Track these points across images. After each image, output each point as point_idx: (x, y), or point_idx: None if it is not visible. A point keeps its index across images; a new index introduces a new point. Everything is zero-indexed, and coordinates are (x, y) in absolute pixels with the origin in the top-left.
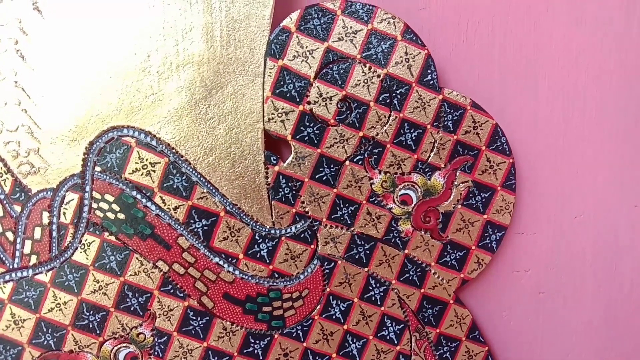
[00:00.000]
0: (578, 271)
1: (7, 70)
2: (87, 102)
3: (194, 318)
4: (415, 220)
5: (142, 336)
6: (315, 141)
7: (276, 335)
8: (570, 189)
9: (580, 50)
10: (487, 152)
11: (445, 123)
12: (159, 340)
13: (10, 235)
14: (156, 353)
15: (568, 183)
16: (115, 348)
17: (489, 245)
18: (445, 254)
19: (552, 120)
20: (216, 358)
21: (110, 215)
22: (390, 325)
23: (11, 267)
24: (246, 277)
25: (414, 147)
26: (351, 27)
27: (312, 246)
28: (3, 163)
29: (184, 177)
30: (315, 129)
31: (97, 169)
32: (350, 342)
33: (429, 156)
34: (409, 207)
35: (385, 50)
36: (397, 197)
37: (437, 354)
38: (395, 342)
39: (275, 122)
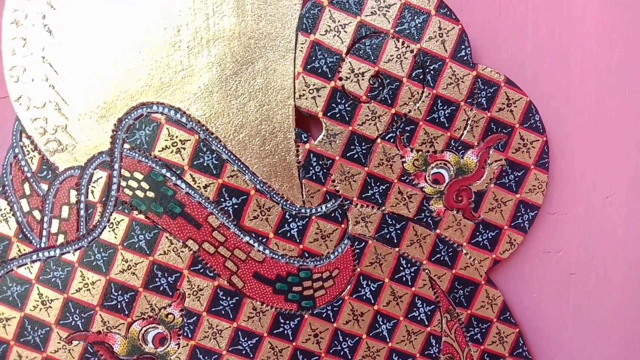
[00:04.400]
0: (609, 252)
1: (34, 45)
2: (115, 78)
3: (224, 298)
4: (448, 200)
5: (171, 316)
6: (347, 118)
7: (306, 316)
8: (602, 169)
9: (614, 28)
10: (521, 129)
11: (479, 100)
12: (188, 321)
13: (37, 214)
14: (185, 334)
15: (600, 162)
16: (144, 329)
17: (522, 225)
18: (477, 234)
19: (585, 99)
20: (246, 338)
21: (140, 193)
22: (421, 306)
23: (38, 246)
24: (276, 256)
25: (447, 125)
26: (384, 1)
27: (343, 225)
28: (30, 140)
29: (214, 155)
30: (346, 105)
31: (126, 146)
32: (381, 323)
33: (462, 134)
34: (441, 186)
35: (419, 25)
36: (429, 176)
37: (468, 335)
38: (426, 323)
39: (306, 98)
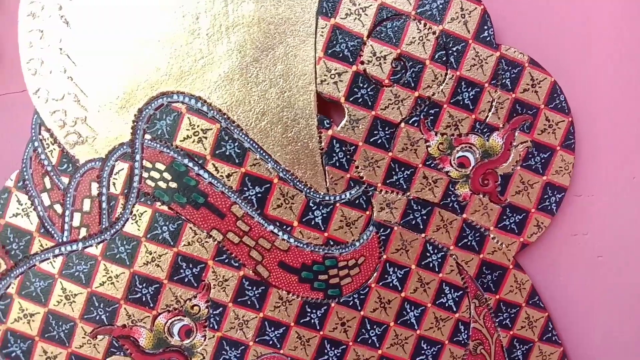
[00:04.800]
0: (636, 234)
1: (51, 37)
2: (135, 67)
3: (250, 288)
4: (474, 184)
5: (196, 308)
6: (370, 103)
7: (333, 304)
8: (628, 149)
9: (638, 7)
10: (546, 110)
11: (503, 81)
12: (214, 312)
13: (58, 208)
14: (211, 325)
15: (626, 143)
16: (170, 321)
17: (549, 208)
18: (505, 217)
19: (610, 78)
20: (273, 328)
21: (162, 184)
22: (448, 292)
23: (60, 240)
24: (301, 245)
25: (471, 107)
26: None
27: (368, 212)
28: (49, 133)
29: (236, 144)
30: (369, 90)
31: (147, 136)
32: (408, 310)
33: (487, 116)
34: (466, 170)
35: (441, 6)
36: (454, 160)
37: (497, 320)
38: (454, 309)
39: (327, 83)
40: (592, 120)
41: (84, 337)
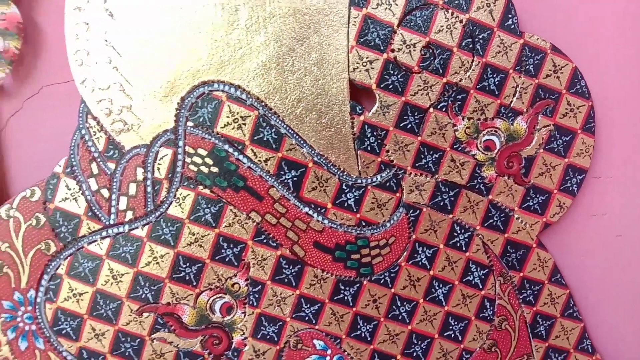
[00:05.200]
0: None
1: (96, 29)
2: (177, 58)
3: (287, 266)
4: (499, 166)
5: (237, 286)
6: (400, 89)
7: (365, 282)
8: None
9: None
10: (568, 95)
11: (527, 67)
12: (253, 290)
13: (105, 193)
14: (251, 302)
15: None
16: (211, 299)
17: (570, 189)
18: (528, 198)
19: (629, 64)
20: (308, 305)
21: (204, 169)
22: (475, 270)
23: (107, 223)
24: (335, 225)
25: (496, 92)
26: None
27: (398, 194)
28: (96, 121)
29: (273, 130)
30: (399, 76)
31: (190, 124)
32: (437, 288)
33: (512, 101)
34: (492, 153)
35: None
36: (480, 143)
37: (521, 297)
38: (480, 286)
39: (360, 71)
40: (612, 105)
41: (130, 315)
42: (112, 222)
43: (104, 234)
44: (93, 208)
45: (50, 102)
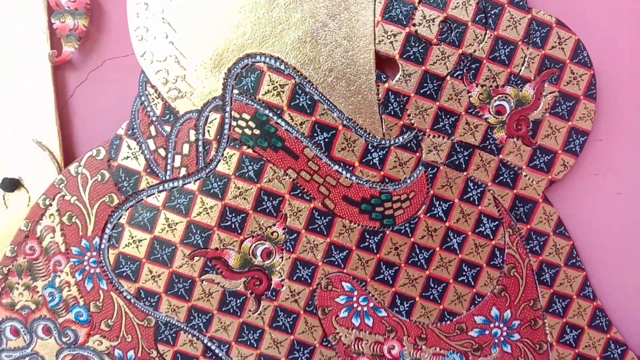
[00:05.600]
0: None
1: (155, 8)
2: (225, 33)
3: (319, 217)
4: (509, 129)
5: (275, 234)
6: (420, 59)
7: (387, 232)
8: None
9: None
10: (571, 65)
11: (534, 40)
12: (290, 237)
13: (162, 152)
14: (287, 248)
15: None
16: (254, 245)
17: (573, 150)
18: (535, 157)
19: (628, 36)
20: (338, 251)
21: (248, 131)
22: (486, 222)
23: (164, 179)
24: (361, 182)
25: (507, 62)
26: None
27: (417, 154)
28: (154, 90)
29: (307, 96)
30: (420, 48)
31: (235, 91)
32: (452, 238)
33: (520, 70)
34: (503, 117)
35: None
36: (492, 108)
37: (528, 247)
38: (491, 237)
39: (384, 43)
40: (612, 73)
41: (183, 259)
42: (168, 177)
43: (160, 188)
44: (151, 165)
45: (112, 74)
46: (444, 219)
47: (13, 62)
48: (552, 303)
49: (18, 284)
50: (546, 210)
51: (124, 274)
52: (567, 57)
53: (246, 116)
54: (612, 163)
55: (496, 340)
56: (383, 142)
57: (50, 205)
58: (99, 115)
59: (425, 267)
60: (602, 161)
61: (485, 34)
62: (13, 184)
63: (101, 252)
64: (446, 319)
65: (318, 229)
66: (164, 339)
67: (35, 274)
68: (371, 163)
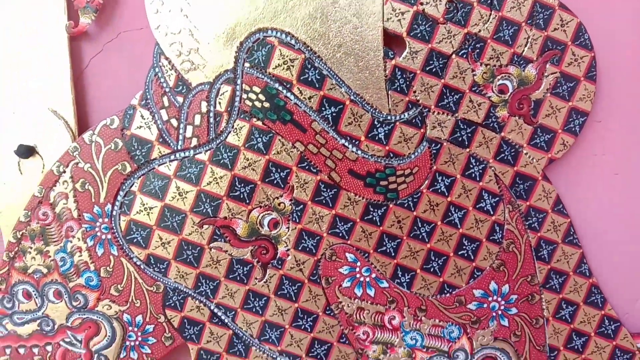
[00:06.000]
0: None
1: None
2: (238, 8)
3: (325, 190)
4: (511, 107)
5: (282, 205)
6: (427, 37)
7: (391, 205)
8: None
9: None
10: (573, 46)
11: (537, 21)
12: (296, 208)
13: (174, 122)
14: (294, 219)
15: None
16: (261, 215)
17: (573, 129)
18: (536, 136)
19: (628, 17)
20: (342, 223)
21: (258, 104)
22: (487, 198)
23: (176, 148)
24: (366, 156)
25: (510, 42)
26: None
27: (422, 130)
28: (168, 61)
29: (317, 71)
30: (427, 26)
31: (247, 65)
32: (453, 212)
33: (524, 50)
34: (505, 96)
35: None
36: (495, 87)
37: (527, 223)
38: (491, 212)
39: (392, 21)
40: (612, 57)
41: (192, 227)
42: (179, 147)
43: (172, 157)
44: (164, 135)
45: (127, 46)
46: (446, 194)
47: (31, 32)
48: (549, 279)
49: (31, 248)
50: (545, 188)
51: (135, 241)
52: (568, 39)
53: (256, 89)
54: (610, 144)
55: (494, 314)
56: (389, 117)
57: (64, 172)
58: (113, 86)
59: (427, 240)
60: (601, 142)
61: (490, 14)
62: (28, 151)
63: (113, 219)
64: (446, 292)
65: (324, 201)
66: (172, 304)
67: (48, 239)
68: (377, 138)
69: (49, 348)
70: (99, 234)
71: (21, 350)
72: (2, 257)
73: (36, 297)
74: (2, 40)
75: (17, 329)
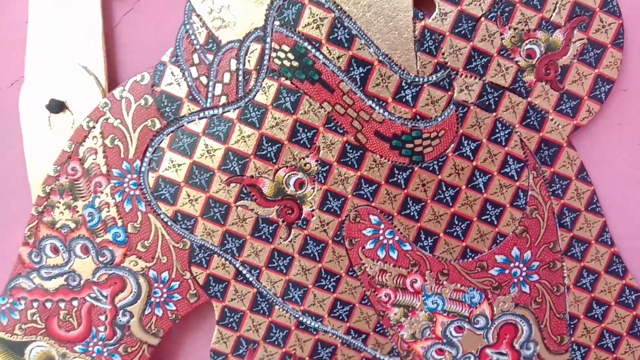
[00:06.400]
0: None
1: None
2: None
3: (351, 151)
4: (538, 72)
5: (308, 165)
6: (457, 0)
7: (416, 168)
8: None
9: None
10: (601, 13)
11: None
12: (322, 169)
13: (204, 80)
14: (319, 179)
15: None
16: (287, 175)
17: (599, 97)
18: (562, 102)
19: None
20: (367, 185)
21: (286, 62)
22: (512, 163)
23: (205, 106)
24: (393, 118)
25: (539, 7)
26: None
27: (449, 93)
28: (199, 18)
29: (346, 30)
30: None
31: (276, 23)
32: (478, 177)
33: (552, 15)
34: (533, 61)
35: None
36: (523, 51)
37: (551, 190)
38: (516, 178)
39: None
40: None
41: (219, 185)
42: (208, 105)
43: (201, 115)
44: (193, 92)
45: (155, 4)
46: (471, 158)
47: None
48: (571, 247)
49: (59, 202)
50: (570, 155)
51: (163, 197)
52: (597, 6)
53: (285, 48)
54: (635, 113)
55: (515, 280)
56: (417, 79)
57: (94, 127)
58: (142, 44)
59: (451, 204)
60: (625, 111)
61: None
62: (59, 106)
63: (141, 175)
64: (468, 256)
65: (349, 162)
66: (198, 261)
67: (76, 194)
68: (404, 100)
69: (75, 303)
70: (127, 189)
71: (48, 305)
72: (31, 211)
73: (63, 252)
74: None
75: (44, 283)
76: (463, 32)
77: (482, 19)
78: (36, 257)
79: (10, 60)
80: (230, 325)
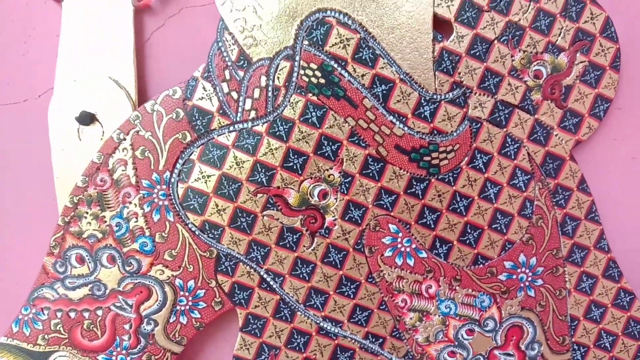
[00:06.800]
0: None
1: None
2: None
3: (372, 163)
4: (544, 92)
5: (332, 177)
6: (472, 23)
7: (433, 180)
8: None
9: None
10: (600, 38)
11: (570, 14)
12: (345, 180)
13: (234, 95)
14: (342, 190)
15: None
16: (312, 185)
17: (598, 114)
18: (565, 119)
19: None
20: (387, 196)
21: (314, 80)
22: (520, 175)
23: (235, 120)
24: (412, 132)
25: (546, 32)
26: None
27: (464, 109)
28: (231, 36)
29: (370, 50)
30: (473, 13)
31: (305, 42)
32: (489, 188)
33: (557, 39)
34: (540, 81)
35: None
36: (531, 72)
37: (554, 200)
38: (523, 189)
39: (442, 7)
40: (635, 49)
41: (247, 195)
42: (238, 119)
43: (231, 128)
44: (224, 107)
45: (191, 20)
46: (484, 171)
47: (98, 3)
48: (572, 253)
49: (87, 213)
50: (572, 168)
51: (191, 207)
52: (597, 31)
53: (313, 66)
54: (630, 130)
55: (522, 285)
56: (435, 96)
57: (124, 139)
58: (172, 60)
59: (464, 213)
60: (621, 127)
61: (529, 5)
62: (89, 118)
63: (171, 186)
64: (479, 263)
65: (371, 174)
66: (224, 269)
67: (105, 204)
68: (422, 115)
69: (99, 312)
70: (156, 200)
71: (72, 314)
72: (58, 222)
73: (89, 262)
74: (69, 10)
75: (69, 293)
76: (478, 53)
77: (495, 41)
78: (61, 267)
79: (38, 73)
80: (253, 331)
